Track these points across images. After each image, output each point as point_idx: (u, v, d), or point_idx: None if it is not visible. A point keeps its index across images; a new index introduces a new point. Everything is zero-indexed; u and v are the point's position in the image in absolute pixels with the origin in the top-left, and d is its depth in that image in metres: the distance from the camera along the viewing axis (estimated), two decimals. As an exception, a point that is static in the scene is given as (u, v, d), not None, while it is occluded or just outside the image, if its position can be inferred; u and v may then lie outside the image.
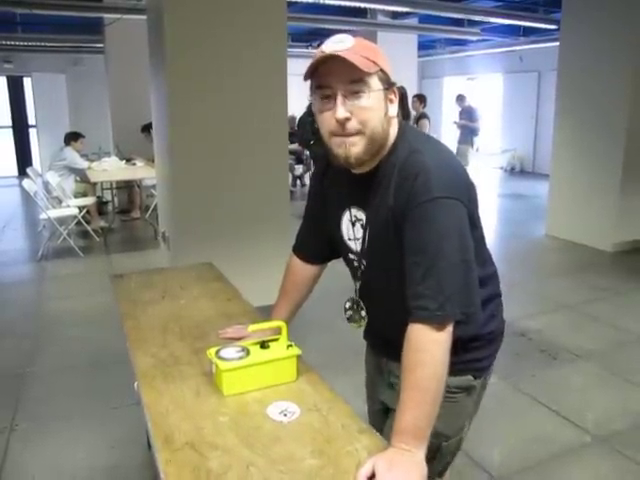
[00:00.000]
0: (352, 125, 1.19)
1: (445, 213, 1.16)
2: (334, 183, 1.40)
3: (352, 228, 1.36)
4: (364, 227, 1.32)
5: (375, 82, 1.19)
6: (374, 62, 1.18)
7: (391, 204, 1.22)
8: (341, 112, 1.17)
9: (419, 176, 1.17)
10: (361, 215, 1.33)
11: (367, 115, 1.18)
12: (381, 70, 1.20)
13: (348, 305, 1.46)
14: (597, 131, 5.93)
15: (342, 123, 1.18)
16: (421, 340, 1.13)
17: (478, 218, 1.29)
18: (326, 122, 1.21)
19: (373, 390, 1.62)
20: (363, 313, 1.42)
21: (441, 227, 1.15)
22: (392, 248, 1.24)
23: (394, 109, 1.25)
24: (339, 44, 1.17)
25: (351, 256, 1.41)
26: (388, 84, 1.22)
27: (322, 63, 1.17)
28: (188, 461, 1.13)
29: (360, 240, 1.35)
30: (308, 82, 1.22)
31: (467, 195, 1.22)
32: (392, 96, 1.24)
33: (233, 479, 1.08)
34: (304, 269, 1.60)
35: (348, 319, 1.47)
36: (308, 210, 1.57)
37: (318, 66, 1.17)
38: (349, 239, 1.38)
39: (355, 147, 1.21)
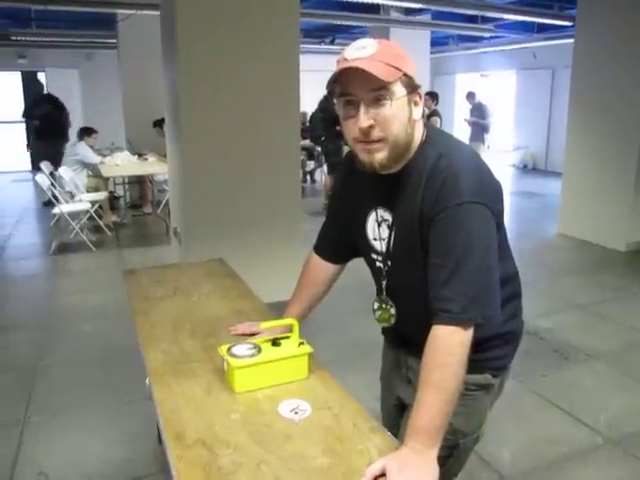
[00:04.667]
0: (375, 133, 1.20)
1: (472, 218, 1.17)
2: (360, 184, 1.40)
3: (378, 228, 1.37)
4: (390, 228, 1.33)
5: (398, 88, 1.18)
6: (397, 68, 1.17)
7: (419, 208, 1.23)
8: (364, 121, 1.18)
9: (447, 180, 1.18)
10: (387, 216, 1.34)
11: (390, 123, 1.19)
12: (405, 75, 1.19)
13: (376, 306, 1.45)
14: (611, 129, 5.87)
15: (365, 132, 1.19)
16: (444, 342, 1.15)
17: (502, 218, 1.30)
18: (350, 129, 1.22)
19: (389, 385, 1.62)
20: (393, 310, 1.42)
21: (467, 231, 1.17)
22: (417, 250, 1.25)
23: (419, 112, 1.24)
24: (361, 50, 1.17)
25: (374, 256, 1.41)
26: (412, 87, 1.21)
27: (344, 73, 1.17)
28: (199, 458, 1.13)
29: (386, 241, 1.35)
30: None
31: (494, 199, 1.23)
32: (417, 99, 1.23)
33: (244, 477, 1.08)
34: (324, 268, 1.60)
35: (378, 319, 1.47)
36: (331, 210, 1.58)
37: (340, 75, 1.18)
38: (374, 239, 1.39)
39: (379, 154, 1.22)
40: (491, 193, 1.23)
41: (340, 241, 1.54)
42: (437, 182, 1.19)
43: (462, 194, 1.17)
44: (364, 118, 1.18)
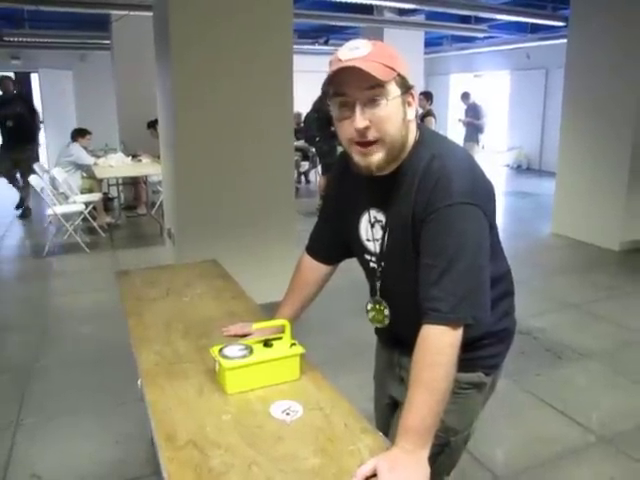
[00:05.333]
0: (371, 134, 1.20)
1: (464, 219, 1.18)
2: (353, 184, 1.40)
3: (371, 229, 1.37)
4: (384, 229, 1.33)
5: (393, 88, 1.19)
6: (391, 68, 1.18)
7: (411, 209, 1.23)
8: (360, 122, 1.18)
9: (440, 181, 1.19)
10: (381, 217, 1.34)
11: (386, 123, 1.19)
12: (399, 75, 1.20)
13: (370, 306, 1.46)
14: (604, 129, 5.90)
15: (361, 132, 1.19)
16: (434, 341, 1.16)
17: (494, 219, 1.30)
18: (345, 130, 1.22)
19: (382, 384, 1.63)
20: (387, 312, 1.42)
21: (459, 232, 1.17)
22: (410, 251, 1.26)
23: (412, 112, 1.25)
24: (355, 51, 1.17)
25: (367, 257, 1.41)
26: (406, 88, 1.22)
27: (338, 73, 1.17)
28: (190, 459, 1.13)
29: (379, 241, 1.35)
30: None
31: (486, 199, 1.24)
32: (410, 99, 1.24)
33: (235, 478, 1.08)
34: (316, 269, 1.60)
35: (371, 320, 1.47)
36: (324, 211, 1.58)
37: (334, 75, 1.18)
38: (367, 240, 1.39)
39: (375, 156, 1.22)
40: (483, 194, 1.24)
41: (333, 242, 1.54)
42: (430, 183, 1.20)
43: (454, 195, 1.17)
44: (360, 119, 1.18)
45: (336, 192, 1.49)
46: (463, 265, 1.16)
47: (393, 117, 1.20)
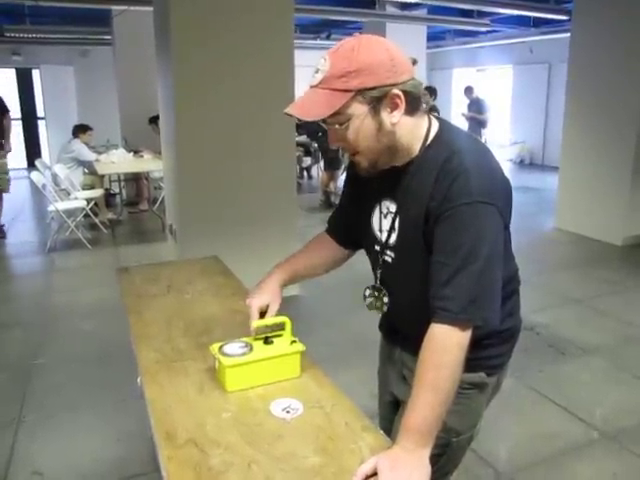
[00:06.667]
0: (349, 149, 1.23)
1: (481, 218, 1.16)
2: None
3: (383, 219, 1.36)
4: (394, 220, 1.32)
5: (355, 107, 1.15)
6: (345, 90, 1.13)
7: (426, 203, 1.21)
8: (333, 143, 1.23)
9: (458, 178, 1.16)
10: (393, 207, 1.32)
11: (356, 140, 1.19)
12: (359, 91, 1.13)
13: (368, 292, 1.44)
14: (607, 123, 5.86)
15: (341, 147, 1.24)
16: (441, 341, 1.14)
17: (509, 219, 1.28)
18: None
19: (385, 381, 1.62)
20: (385, 299, 1.40)
21: (475, 232, 1.15)
22: (419, 246, 1.24)
23: (396, 115, 1.18)
24: (315, 76, 1.16)
25: (377, 247, 1.40)
26: (378, 97, 1.14)
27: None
28: (190, 458, 1.12)
29: (389, 232, 1.34)
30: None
31: (503, 200, 1.22)
32: (390, 104, 1.16)
33: (234, 477, 1.07)
34: (331, 248, 1.58)
35: (368, 306, 1.45)
36: (344, 198, 1.57)
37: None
38: (379, 230, 1.38)
39: (360, 163, 1.25)
40: (501, 194, 1.21)
41: (350, 224, 1.51)
42: (448, 180, 1.17)
43: (472, 193, 1.15)
44: (332, 139, 1.22)
45: (353, 183, 1.48)
46: (477, 265, 1.14)
47: (362, 133, 1.18)
